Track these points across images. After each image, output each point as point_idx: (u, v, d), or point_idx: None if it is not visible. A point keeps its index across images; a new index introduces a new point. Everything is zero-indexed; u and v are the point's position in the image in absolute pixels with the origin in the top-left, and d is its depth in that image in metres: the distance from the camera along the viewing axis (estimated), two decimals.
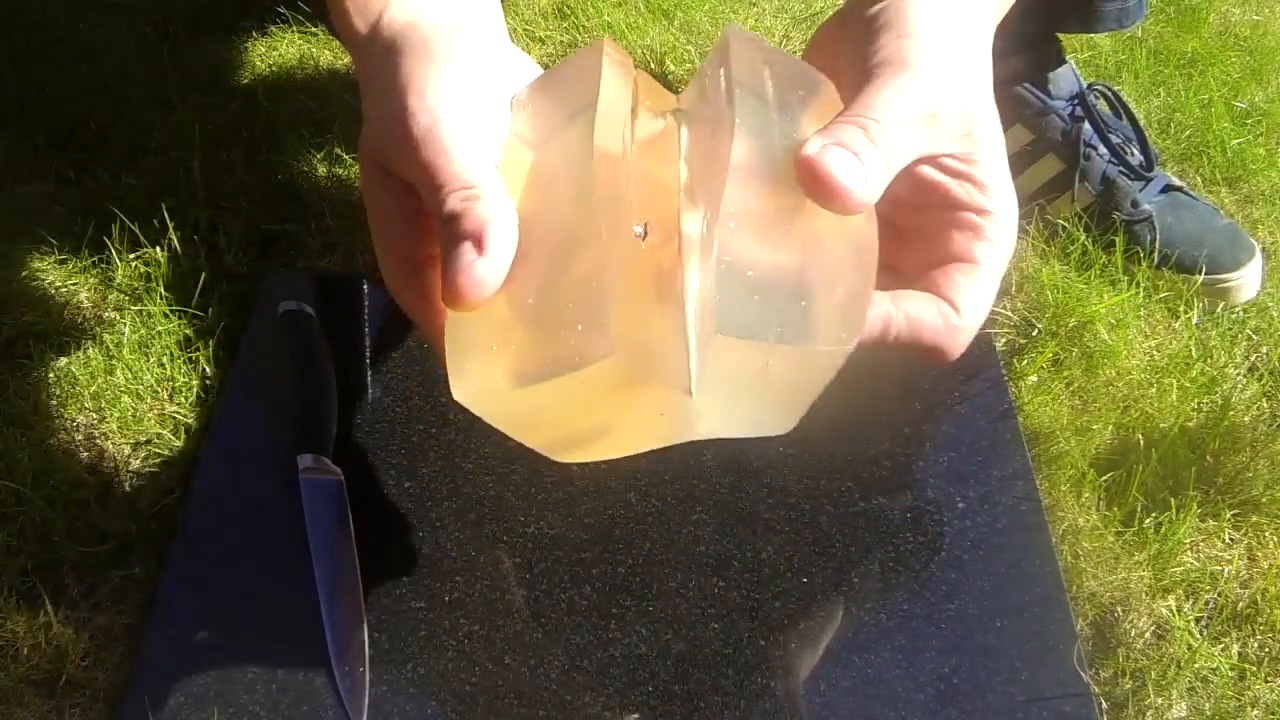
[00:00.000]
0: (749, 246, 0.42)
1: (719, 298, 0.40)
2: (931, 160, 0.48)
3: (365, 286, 0.77)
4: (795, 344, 0.40)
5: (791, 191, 0.43)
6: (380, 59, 0.48)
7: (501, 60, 0.50)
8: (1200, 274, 0.83)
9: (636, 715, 0.56)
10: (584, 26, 1.06)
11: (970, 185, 0.48)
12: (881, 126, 0.45)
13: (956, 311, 0.47)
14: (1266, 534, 0.69)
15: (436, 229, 0.44)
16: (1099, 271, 0.84)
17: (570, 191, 0.44)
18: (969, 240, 0.48)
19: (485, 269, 0.42)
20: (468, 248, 0.43)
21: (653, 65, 1.02)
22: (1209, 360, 0.79)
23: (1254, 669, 0.62)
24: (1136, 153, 0.88)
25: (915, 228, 0.50)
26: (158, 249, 0.80)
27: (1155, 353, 0.80)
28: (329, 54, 1.01)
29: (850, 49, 0.49)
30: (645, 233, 0.43)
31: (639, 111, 0.48)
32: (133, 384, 0.71)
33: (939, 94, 0.47)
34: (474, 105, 0.46)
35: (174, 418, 0.70)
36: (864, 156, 0.44)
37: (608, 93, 0.46)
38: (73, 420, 0.69)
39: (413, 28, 0.48)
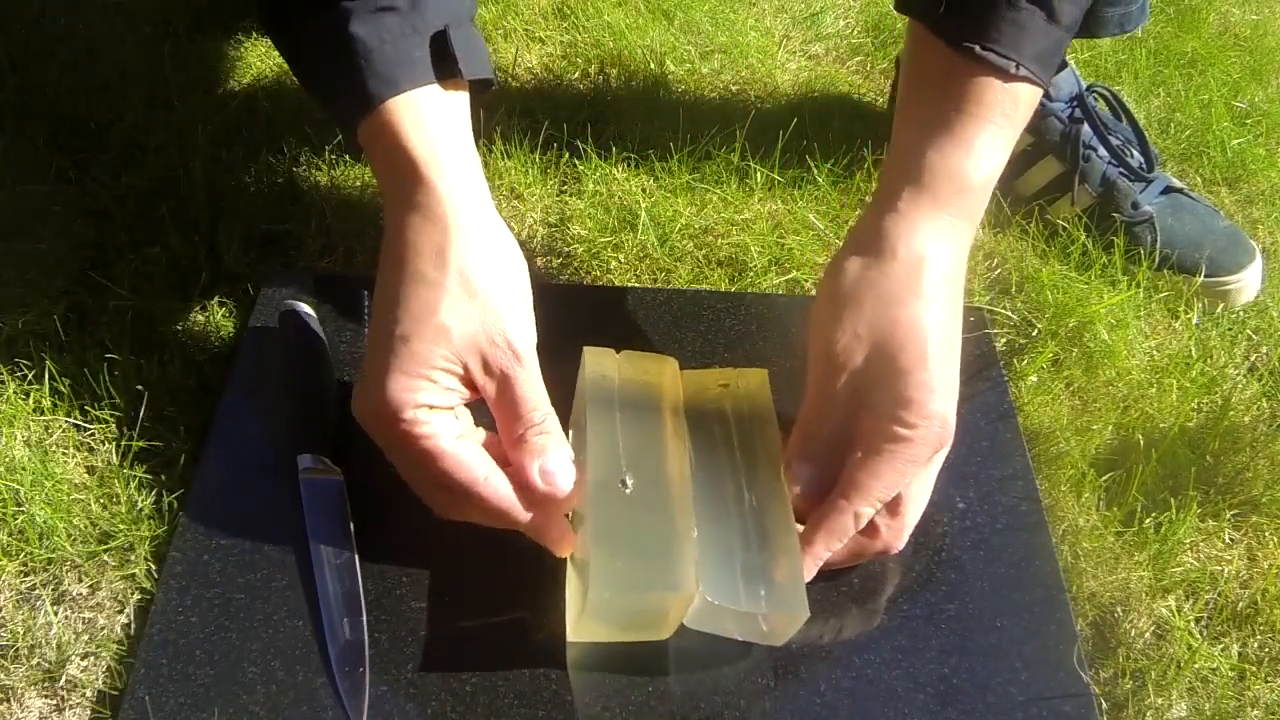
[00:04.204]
0: (730, 537, 0.57)
1: (703, 569, 0.55)
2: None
3: (365, 287, 0.77)
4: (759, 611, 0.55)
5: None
6: (441, 260, 0.56)
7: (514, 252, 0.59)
8: (1200, 276, 0.83)
9: None
10: (584, 26, 1.06)
11: (897, 407, 0.56)
12: (787, 461, 0.59)
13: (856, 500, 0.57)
14: (1266, 534, 0.69)
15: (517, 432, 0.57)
16: (1099, 272, 0.84)
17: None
18: (878, 435, 0.56)
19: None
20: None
21: (653, 65, 1.02)
22: (1209, 360, 0.79)
23: (1254, 669, 0.62)
24: (1136, 154, 0.88)
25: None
26: (158, 249, 0.80)
27: (1155, 353, 0.80)
28: None
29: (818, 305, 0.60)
30: (626, 484, 0.57)
31: (632, 381, 0.63)
32: (133, 384, 0.71)
33: (852, 355, 0.57)
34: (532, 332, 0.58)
35: (174, 418, 0.69)
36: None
37: (592, 405, 0.61)
38: (73, 420, 0.69)
39: (467, 248, 0.57)
